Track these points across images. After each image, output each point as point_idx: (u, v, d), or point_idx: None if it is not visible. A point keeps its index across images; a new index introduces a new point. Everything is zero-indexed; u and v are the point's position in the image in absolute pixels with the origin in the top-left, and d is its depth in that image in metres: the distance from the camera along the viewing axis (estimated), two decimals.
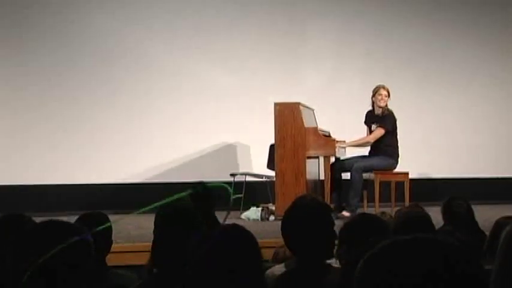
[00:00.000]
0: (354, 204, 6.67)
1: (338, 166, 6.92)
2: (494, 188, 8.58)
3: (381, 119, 6.90)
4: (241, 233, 2.22)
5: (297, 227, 2.66)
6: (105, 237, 3.05)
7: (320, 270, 2.52)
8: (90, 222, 3.10)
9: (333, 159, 6.93)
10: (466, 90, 8.97)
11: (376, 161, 6.87)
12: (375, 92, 6.91)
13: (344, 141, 6.90)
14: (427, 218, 3.46)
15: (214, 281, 2.08)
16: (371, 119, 7.01)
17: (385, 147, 6.88)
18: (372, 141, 6.92)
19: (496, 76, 9.03)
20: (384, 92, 6.89)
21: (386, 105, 6.89)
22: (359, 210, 6.59)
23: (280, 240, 4.15)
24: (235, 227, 2.28)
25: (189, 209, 2.70)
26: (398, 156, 6.90)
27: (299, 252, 2.62)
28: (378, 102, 6.90)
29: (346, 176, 6.91)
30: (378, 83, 6.99)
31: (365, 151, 7.08)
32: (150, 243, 2.72)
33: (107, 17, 8.33)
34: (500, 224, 3.20)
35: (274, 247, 3.93)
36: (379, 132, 6.87)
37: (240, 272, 2.09)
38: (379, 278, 0.88)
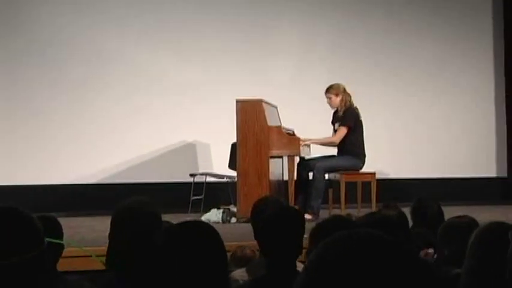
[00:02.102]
0: (316, 205, 6.65)
1: (304, 166, 6.91)
2: (461, 188, 8.70)
3: (342, 117, 6.90)
4: (204, 229, 2.20)
5: (266, 230, 2.66)
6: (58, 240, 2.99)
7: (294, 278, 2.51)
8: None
9: (298, 159, 6.93)
10: (432, 90, 9.07)
11: (339, 161, 6.85)
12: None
13: (309, 140, 6.90)
14: (389, 220, 3.46)
15: (177, 279, 2.05)
16: (335, 118, 7.03)
17: (350, 146, 6.86)
18: (337, 141, 6.91)
19: (462, 76, 9.14)
20: (328, 95, 6.88)
21: (344, 102, 6.88)
22: (322, 212, 6.60)
23: (243, 243, 4.14)
24: (197, 222, 2.26)
25: (146, 212, 2.66)
26: (364, 156, 6.87)
27: (271, 256, 2.62)
28: (330, 107, 6.94)
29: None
30: (335, 82, 6.99)
31: (332, 151, 7.07)
32: (105, 247, 2.68)
33: (59, 9, 8.21)
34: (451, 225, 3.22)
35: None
36: (342, 131, 6.86)
37: (203, 270, 2.07)
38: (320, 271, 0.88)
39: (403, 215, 3.52)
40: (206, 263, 2.07)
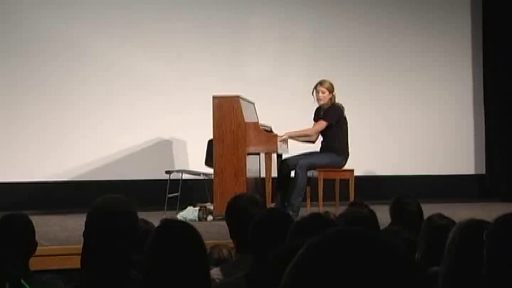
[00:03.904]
0: (296, 204, 6.66)
1: (285, 164, 6.91)
2: (440, 185, 8.77)
3: (325, 113, 6.91)
4: (184, 228, 2.23)
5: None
6: (29, 239, 2.98)
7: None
8: (10, 224, 3.03)
9: (275, 156, 6.93)
10: (412, 88, 9.11)
11: (322, 158, 6.84)
12: (314, 89, 6.92)
13: (285, 133, 6.87)
14: (367, 218, 3.48)
15: (159, 281, 2.07)
16: (318, 115, 7.02)
17: (333, 143, 6.85)
18: (313, 133, 6.90)
19: (441, 74, 9.20)
20: (322, 89, 6.84)
21: (331, 100, 6.89)
22: (301, 210, 6.61)
23: (219, 242, 4.15)
24: (177, 222, 2.29)
25: (122, 210, 2.66)
26: (347, 153, 6.85)
27: (258, 253, 2.66)
28: (317, 101, 6.92)
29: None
30: (321, 78, 6.99)
31: (314, 147, 7.07)
32: (80, 246, 2.67)
33: (30, 4, 8.14)
34: (433, 222, 3.25)
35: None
36: (319, 125, 6.84)
37: (184, 270, 2.09)
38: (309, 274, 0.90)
39: (372, 212, 3.56)
40: (188, 263, 2.10)
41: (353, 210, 3.85)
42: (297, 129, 6.95)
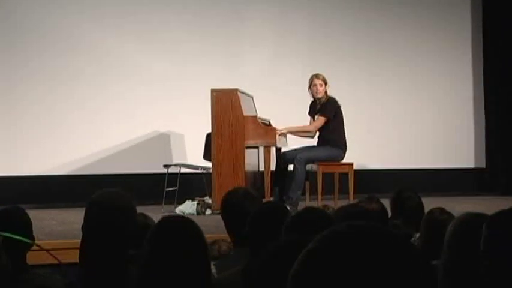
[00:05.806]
0: (295, 197, 6.67)
1: (284, 158, 6.93)
2: (439, 179, 8.77)
3: (322, 107, 6.93)
4: (185, 224, 2.24)
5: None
6: (26, 233, 2.98)
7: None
8: (6, 217, 3.03)
9: (274, 150, 6.94)
10: (412, 81, 9.11)
11: (321, 152, 6.86)
12: (310, 83, 6.92)
13: (285, 128, 6.89)
14: (366, 213, 3.48)
15: (159, 277, 2.08)
16: (314, 109, 7.03)
17: (331, 137, 6.87)
18: (313, 130, 6.94)
19: (442, 68, 9.19)
20: (318, 82, 6.86)
21: (326, 94, 6.91)
22: (301, 204, 6.62)
23: (218, 236, 4.16)
24: (178, 217, 2.30)
25: (121, 203, 2.67)
26: (345, 146, 6.88)
27: (255, 246, 2.67)
28: (314, 94, 6.91)
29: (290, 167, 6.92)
30: (313, 72, 6.98)
31: (312, 142, 7.09)
32: (77, 240, 2.67)
33: None
34: (434, 215, 3.26)
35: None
36: (319, 121, 6.87)
37: (184, 266, 2.10)
38: (318, 273, 0.91)
39: (383, 208, 3.55)
40: (188, 259, 2.11)
41: (354, 204, 3.85)
42: (297, 125, 6.98)
